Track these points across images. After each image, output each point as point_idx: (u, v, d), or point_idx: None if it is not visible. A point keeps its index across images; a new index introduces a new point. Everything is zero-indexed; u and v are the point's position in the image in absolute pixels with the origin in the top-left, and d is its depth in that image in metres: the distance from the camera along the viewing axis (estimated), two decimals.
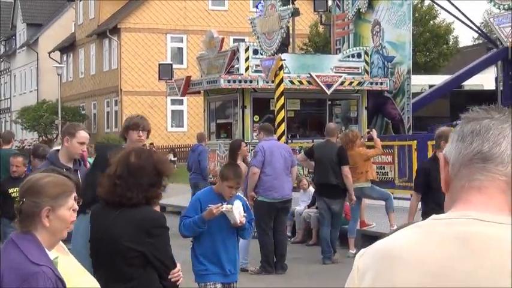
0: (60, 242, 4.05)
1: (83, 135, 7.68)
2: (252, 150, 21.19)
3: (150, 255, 4.81)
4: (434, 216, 1.96)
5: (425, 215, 8.83)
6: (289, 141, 20.40)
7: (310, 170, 17.44)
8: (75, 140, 7.58)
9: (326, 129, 14.31)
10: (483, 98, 23.73)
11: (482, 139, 1.93)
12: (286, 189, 12.99)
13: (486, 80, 27.79)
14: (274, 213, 12.94)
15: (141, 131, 7.84)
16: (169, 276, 4.85)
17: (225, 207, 7.18)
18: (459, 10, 24.29)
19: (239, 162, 12.69)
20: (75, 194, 3.91)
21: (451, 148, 2.00)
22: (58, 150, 7.74)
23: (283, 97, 18.57)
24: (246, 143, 17.55)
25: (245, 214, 7.39)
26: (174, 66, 28.37)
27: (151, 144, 42.76)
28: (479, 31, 26.95)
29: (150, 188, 4.97)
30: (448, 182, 2.00)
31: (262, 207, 12.75)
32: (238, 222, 7.28)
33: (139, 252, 4.78)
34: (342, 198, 13.64)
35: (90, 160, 16.89)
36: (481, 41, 51.23)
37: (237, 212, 7.28)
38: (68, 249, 4.07)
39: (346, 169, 13.38)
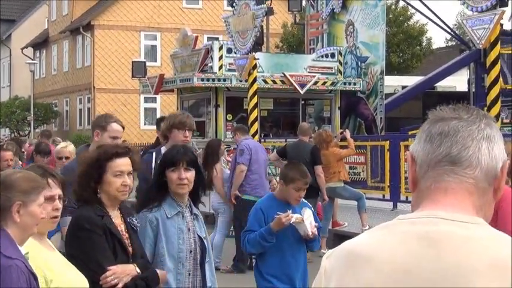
0: (46, 239, 4.06)
1: (115, 128, 6.66)
2: (225, 149, 21.20)
3: (76, 257, 4.57)
4: (400, 216, 1.97)
5: None
6: (262, 140, 20.41)
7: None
8: (106, 134, 6.58)
9: (299, 129, 14.33)
10: (455, 99, 23.82)
11: (451, 141, 1.94)
12: (268, 188, 13.05)
13: (459, 81, 27.98)
14: None
15: (187, 131, 7.13)
16: (101, 282, 4.60)
17: (294, 217, 6.24)
18: (432, 12, 24.44)
19: (218, 166, 12.69)
20: (51, 191, 3.93)
21: (418, 147, 2.00)
22: (88, 145, 6.71)
23: (256, 96, 18.59)
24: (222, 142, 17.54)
25: (316, 224, 6.48)
26: (148, 64, 28.28)
27: (124, 141, 42.59)
28: (452, 33, 27.15)
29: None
30: (415, 182, 2.00)
31: (248, 206, 12.72)
32: (310, 233, 6.33)
33: (68, 254, 4.63)
34: (315, 197, 13.66)
35: None
36: (454, 43, 51.56)
37: (308, 222, 6.33)
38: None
39: (319, 169, 13.41)
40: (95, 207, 4.77)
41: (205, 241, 5.45)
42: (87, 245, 4.64)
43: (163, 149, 6.94)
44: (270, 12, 20.01)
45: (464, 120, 1.96)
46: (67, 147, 8.90)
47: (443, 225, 1.88)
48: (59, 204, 4.06)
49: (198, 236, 5.40)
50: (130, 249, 4.87)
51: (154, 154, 7.15)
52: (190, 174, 5.30)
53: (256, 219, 6.40)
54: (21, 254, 3.57)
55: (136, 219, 5.08)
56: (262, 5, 18.60)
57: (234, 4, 19.39)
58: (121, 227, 4.90)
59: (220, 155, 13.33)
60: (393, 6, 42.28)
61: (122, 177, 4.81)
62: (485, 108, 13.55)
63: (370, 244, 1.92)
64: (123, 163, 4.84)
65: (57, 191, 4.10)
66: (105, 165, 4.79)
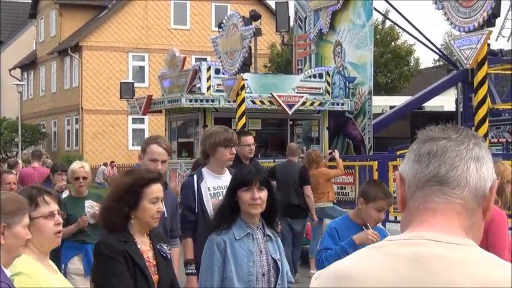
0: (50, 262, 4.04)
1: (154, 150, 6.22)
2: None
3: (97, 283, 4.61)
4: (389, 237, 1.96)
5: None
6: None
7: None
8: (146, 156, 6.25)
9: (288, 149, 14.35)
10: (443, 119, 23.86)
11: (439, 161, 1.94)
12: None
13: (447, 101, 28.06)
14: None
15: (232, 147, 6.69)
16: None
17: (370, 234, 5.86)
18: (420, 32, 24.53)
19: None
20: (49, 207, 3.94)
21: (407, 167, 2.00)
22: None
23: (244, 117, 18.59)
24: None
25: None
26: (136, 84, 28.28)
27: (112, 162, 42.54)
28: (439, 53, 27.24)
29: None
30: (404, 202, 2.00)
31: None
32: None
33: (92, 279, 4.64)
34: (304, 218, 13.65)
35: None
36: (441, 63, 51.78)
37: None
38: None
39: (308, 189, 13.41)
40: (120, 233, 4.62)
41: (279, 263, 5.22)
42: (107, 272, 4.53)
43: (205, 171, 6.73)
44: (258, 33, 20.04)
45: (452, 140, 1.95)
46: (84, 168, 8.66)
47: (433, 247, 1.87)
48: (59, 218, 4.06)
49: (273, 258, 5.19)
50: (156, 277, 4.69)
51: (195, 177, 6.72)
52: (264, 194, 5.12)
53: (332, 238, 6.03)
54: (6, 276, 3.53)
55: (167, 246, 4.91)
56: (250, 26, 18.64)
57: (222, 25, 19.43)
58: (147, 254, 4.74)
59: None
60: (380, 26, 42.47)
61: (157, 203, 4.71)
62: (473, 128, 13.58)
63: (359, 265, 1.91)
64: (158, 189, 4.74)
65: (55, 206, 4.10)
66: (141, 191, 4.66)
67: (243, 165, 5.52)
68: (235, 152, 6.65)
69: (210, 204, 6.57)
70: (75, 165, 8.73)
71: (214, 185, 6.66)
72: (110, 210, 4.64)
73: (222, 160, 6.59)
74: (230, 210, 5.13)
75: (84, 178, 8.57)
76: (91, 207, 8.27)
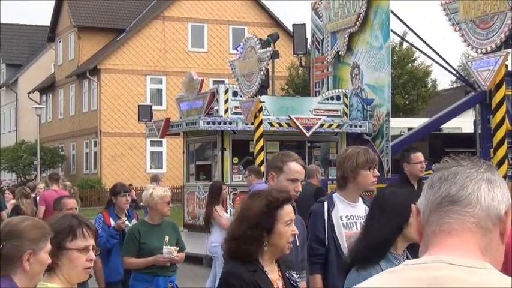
0: None
1: (293, 168, 5.53)
2: (232, 192, 21.19)
3: None
4: (407, 261, 1.98)
5: None
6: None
7: None
8: (283, 176, 5.52)
9: (306, 171, 14.36)
10: (462, 140, 23.91)
11: (450, 183, 1.97)
12: None
13: (465, 123, 27.94)
14: None
15: (375, 169, 5.90)
16: None
17: None
18: (437, 53, 24.50)
19: (219, 208, 12.62)
20: (86, 241, 3.89)
21: (422, 198, 2.03)
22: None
23: (262, 139, 18.60)
24: (225, 185, 17.53)
25: None
26: (154, 107, 28.39)
27: (130, 185, 42.61)
28: (457, 74, 27.18)
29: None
30: (420, 231, 2.02)
31: None
32: None
33: None
34: None
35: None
36: (459, 84, 51.67)
37: None
38: None
39: None
40: (248, 261, 4.20)
41: None
42: None
43: (336, 197, 5.95)
44: (275, 55, 20.10)
45: (463, 166, 1.99)
46: (168, 192, 8.20)
47: (451, 270, 1.88)
48: (93, 255, 3.97)
49: None
50: None
51: (325, 204, 5.95)
52: None
53: None
54: None
55: (296, 274, 4.47)
56: (268, 49, 18.70)
57: (240, 47, 19.51)
58: (277, 283, 4.33)
59: (221, 197, 13.24)
60: (397, 48, 42.46)
61: (291, 225, 4.30)
62: (492, 150, 13.55)
63: None
64: (291, 210, 4.34)
65: (91, 241, 3.99)
66: (276, 213, 4.24)
67: (400, 191, 4.64)
68: (378, 174, 5.97)
69: (344, 236, 5.78)
70: (160, 190, 8.13)
71: (348, 214, 5.88)
72: (247, 238, 4.17)
73: (365, 184, 5.85)
74: (388, 242, 4.46)
75: (168, 203, 8.09)
76: (169, 253, 7.83)
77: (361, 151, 5.78)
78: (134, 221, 9.35)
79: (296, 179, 5.51)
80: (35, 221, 3.79)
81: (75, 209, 8.73)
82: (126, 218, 9.30)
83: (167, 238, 7.89)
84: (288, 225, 4.26)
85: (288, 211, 4.28)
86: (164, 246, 7.84)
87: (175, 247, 7.89)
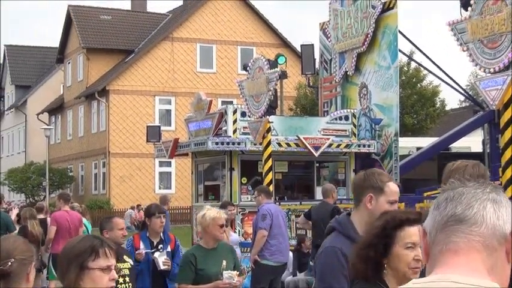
0: None
1: (393, 189, 5.04)
2: (240, 212, 21.18)
3: None
4: (414, 280, 2.00)
5: None
6: (277, 203, 20.41)
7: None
8: (383, 198, 4.93)
9: (322, 190, 14.51)
10: (471, 160, 23.83)
11: (456, 203, 1.99)
12: (288, 252, 13.22)
13: (473, 142, 27.92)
14: (273, 276, 13.02)
15: None
16: None
17: None
18: (445, 73, 24.52)
19: (227, 229, 12.63)
20: (108, 261, 3.91)
21: (428, 219, 2.05)
22: (349, 214, 5.12)
23: (271, 159, 18.61)
24: (234, 205, 17.53)
25: None
26: (162, 128, 28.43)
27: (139, 205, 42.65)
28: (465, 94, 27.19)
29: None
30: (427, 252, 2.04)
31: (265, 271, 12.82)
32: None
33: None
34: None
35: (86, 222, 16.74)
36: (467, 104, 51.66)
37: None
38: None
39: None
40: (373, 283, 4.01)
41: None
42: None
43: None
44: (283, 75, 20.16)
45: (469, 186, 2.02)
46: (222, 214, 7.82)
47: None
48: (115, 274, 3.96)
49: None
50: None
51: None
52: None
53: None
54: None
55: None
56: (276, 69, 18.75)
57: (248, 68, 19.56)
58: None
59: (228, 218, 13.25)
60: (405, 68, 42.50)
61: (414, 250, 4.03)
62: (500, 169, 13.54)
63: None
64: (415, 232, 4.02)
65: (113, 261, 4.01)
66: (393, 234, 4.03)
67: None
68: None
69: None
70: (213, 212, 7.75)
71: None
72: (358, 257, 4.05)
73: None
74: None
75: (223, 226, 7.78)
76: (230, 277, 7.56)
77: (470, 164, 5.28)
78: (168, 248, 8.99)
79: (395, 200, 5.04)
80: (21, 241, 3.88)
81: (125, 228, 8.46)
82: (159, 246, 8.87)
83: (225, 263, 7.59)
84: (408, 249, 4.01)
85: (410, 233, 4.01)
86: (224, 272, 7.55)
87: (236, 271, 7.60)
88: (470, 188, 2.01)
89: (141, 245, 8.92)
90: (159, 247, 8.97)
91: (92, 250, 3.89)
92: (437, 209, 2.03)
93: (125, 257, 7.76)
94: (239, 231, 19.95)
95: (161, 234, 9.07)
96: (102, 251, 3.93)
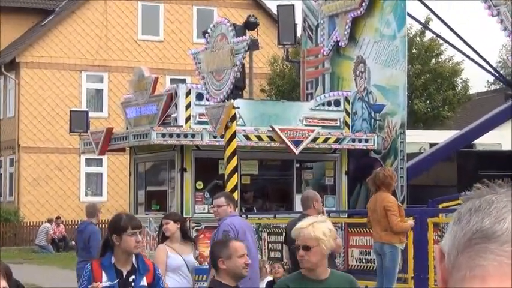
0: None
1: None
2: (194, 228, 21.17)
3: None
4: None
5: None
6: (243, 216, 20.41)
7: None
8: None
9: (301, 200, 14.50)
10: (500, 161, 23.96)
11: (483, 214, 1.98)
12: (258, 280, 13.22)
13: (504, 137, 28.10)
14: None
15: None
16: None
17: None
18: (469, 46, 24.61)
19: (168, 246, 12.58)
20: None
21: (447, 236, 2.04)
22: None
23: (235, 157, 18.61)
24: (186, 218, 17.52)
25: None
26: (91, 114, 28.35)
27: (58, 218, 42.47)
28: (495, 73, 27.34)
29: None
30: (446, 279, 2.03)
31: None
32: None
33: None
34: None
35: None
36: (497, 86, 51.99)
37: None
38: None
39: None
40: None
41: None
42: None
43: None
44: (254, 46, 20.12)
45: (500, 193, 2.00)
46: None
47: None
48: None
49: None
50: None
51: None
52: None
53: None
54: None
55: None
56: (244, 37, 18.73)
57: (207, 35, 19.53)
58: None
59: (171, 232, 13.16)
60: (417, 38, 42.62)
61: None
62: None
63: None
64: None
65: (4, 283, 4.12)
66: None
67: None
68: None
69: None
70: (323, 224, 7.23)
71: None
72: None
73: None
74: None
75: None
76: None
77: None
78: (144, 282, 8.39)
79: None
80: None
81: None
82: (130, 277, 8.27)
83: None
84: None
85: None
86: None
87: None
88: (502, 196, 2.00)
89: (104, 277, 8.20)
90: (130, 279, 8.29)
91: None
92: (458, 223, 2.01)
93: None
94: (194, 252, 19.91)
95: (133, 260, 8.41)
96: None
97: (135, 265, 8.35)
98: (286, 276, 7.58)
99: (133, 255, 8.37)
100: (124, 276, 8.24)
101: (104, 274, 8.21)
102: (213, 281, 8.12)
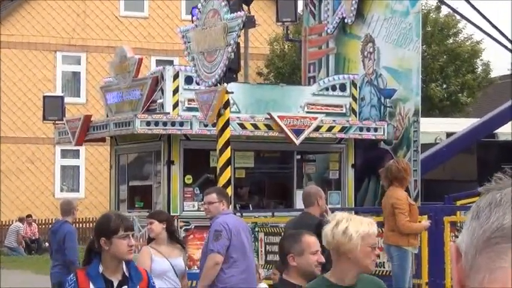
0: None
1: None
2: (183, 228, 21.19)
3: None
4: None
5: None
6: (238, 214, 20.42)
7: None
8: None
9: (303, 196, 14.50)
10: None
11: (504, 210, 1.97)
12: (254, 286, 13.23)
13: None
14: None
15: None
16: None
17: None
18: (492, 24, 24.65)
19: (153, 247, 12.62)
20: None
21: (464, 233, 2.04)
22: None
23: (229, 148, 18.63)
24: (173, 216, 17.54)
25: None
26: (67, 99, 28.31)
27: (29, 216, 42.46)
28: None
29: None
30: (462, 281, 2.03)
31: None
32: None
33: None
34: None
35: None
36: None
37: None
38: None
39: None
40: None
41: None
42: None
43: None
44: (250, 23, 20.14)
45: None
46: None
47: None
48: None
49: None
50: None
51: None
52: None
53: None
54: None
55: None
56: (239, 13, 18.71)
57: (197, 12, 19.52)
58: None
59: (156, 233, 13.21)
60: (432, 15, 42.61)
61: None
62: None
63: None
64: None
65: None
66: None
67: None
68: None
69: None
70: (359, 223, 6.76)
71: None
72: None
73: None
74: None
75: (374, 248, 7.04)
76: None
77: None
78: None
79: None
80: None
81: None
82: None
83: None
84: None
85: None
86: None
87: None
88: None
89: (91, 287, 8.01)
90: None
91: None
92: (477, 219, 2.01)
93: None
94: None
95: (124, 268, 8.14)
96: None
97: (126, 273, 8.05)
98: (309, 283, 7.35)
99: (124, 262, 8.08)
100: (115, 287, 7.98)
101: (91, 286, 7.94)
102: (281, 280, 8.02)
